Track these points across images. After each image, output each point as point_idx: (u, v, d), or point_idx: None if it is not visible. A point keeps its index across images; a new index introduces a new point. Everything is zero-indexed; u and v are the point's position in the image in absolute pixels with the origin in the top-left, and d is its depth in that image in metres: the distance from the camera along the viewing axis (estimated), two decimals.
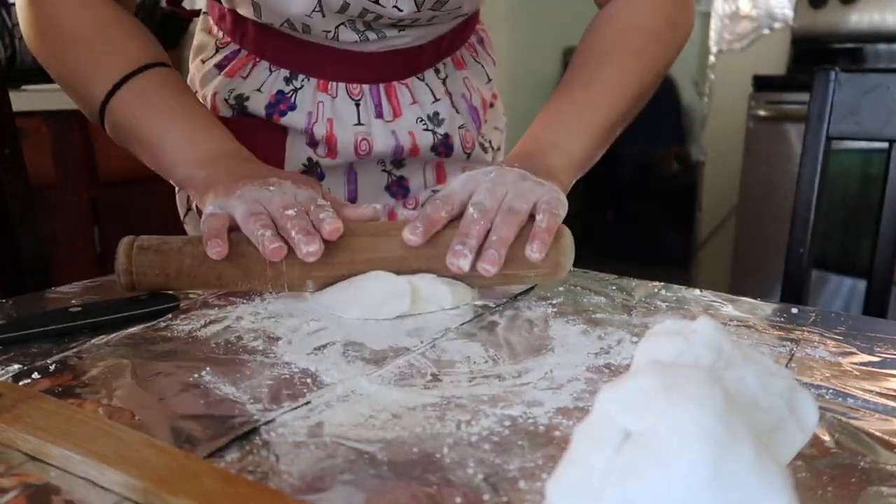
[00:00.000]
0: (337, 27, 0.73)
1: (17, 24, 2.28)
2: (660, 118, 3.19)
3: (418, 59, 0.80)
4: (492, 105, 0.93)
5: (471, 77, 0.86)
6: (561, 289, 0.64)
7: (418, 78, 0.81)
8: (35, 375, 0.44)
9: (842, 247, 2.15)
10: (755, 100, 2.34)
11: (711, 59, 2.68)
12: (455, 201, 0.58)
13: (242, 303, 0.58)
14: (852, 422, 0.40)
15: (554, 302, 0.60)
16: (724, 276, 2.56)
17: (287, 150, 0.79)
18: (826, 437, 0.38)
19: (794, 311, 0.59)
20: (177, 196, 0.89)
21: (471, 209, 0.57)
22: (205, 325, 0.54)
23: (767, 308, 0.59)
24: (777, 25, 2.60)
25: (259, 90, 0.78)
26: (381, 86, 0.79)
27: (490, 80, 0.90)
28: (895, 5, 2.35)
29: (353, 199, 0.84)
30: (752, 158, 2.36)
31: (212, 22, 0.83)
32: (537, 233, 0.55)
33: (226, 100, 0.78)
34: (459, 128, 0.84)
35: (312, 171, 0.81)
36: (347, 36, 0.74)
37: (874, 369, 0.47)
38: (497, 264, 0.54)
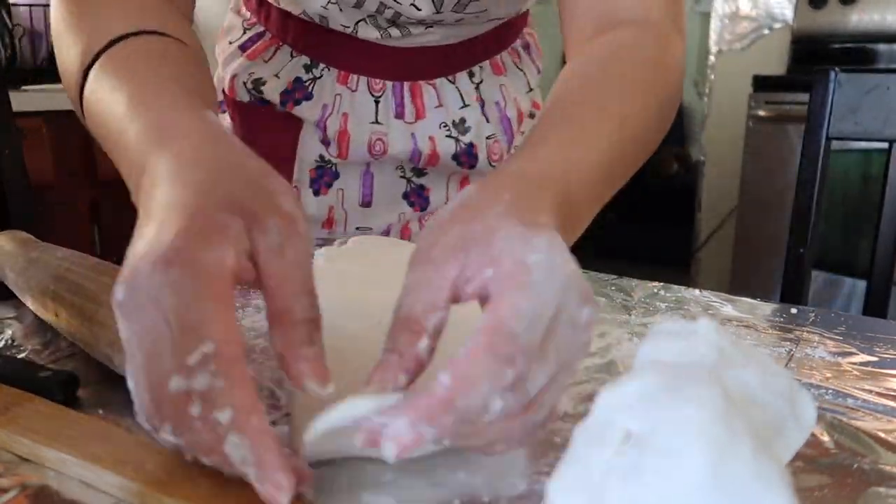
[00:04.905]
0: (357, 23, 0.70)
1: (18, 24, 2.26)
2: None
3: (449, 58, 0.75)
4: (532, 116, 0.84)
5: (508, 84, 0.80)
6: None
7: (448, 80, 0.76)
8: None
9: (842, 247, 2.15)
10: (755, 100, 2.34)
11: (711, 59, 2.68)
12: (428, 324, 0.32)
13: (243, 302, 0.58)
14: (852, 422, 0.40)
15: None
16: (724, 276, 2.56)
17: (300, 144, 0.76)
18: (826, 438, 0.38)
19: (794, 311, 0.58)
20: None
21: (445, 379, 0.29)
22: None
23: (767, 308, 0.59)
24: (777, 25, 2.60)
25: (277, 76, 0.75)
26: (407, 84, 0.75)
27: (531, 89, 0.84)
28: (895, 5, 2.35)
29: (367, 203, 0.79)
30: (752, 158, 2.36)
31: (242, 2, 0.81)
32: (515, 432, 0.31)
33: (244, 83, 0.76)
34: (488, 138, 0.78)
35: (326, 168, 0.78)
36: (368, 33, 0.71)
37: (874, 369, 0.47)
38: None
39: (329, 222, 0.80)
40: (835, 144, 0.88)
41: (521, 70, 0.83)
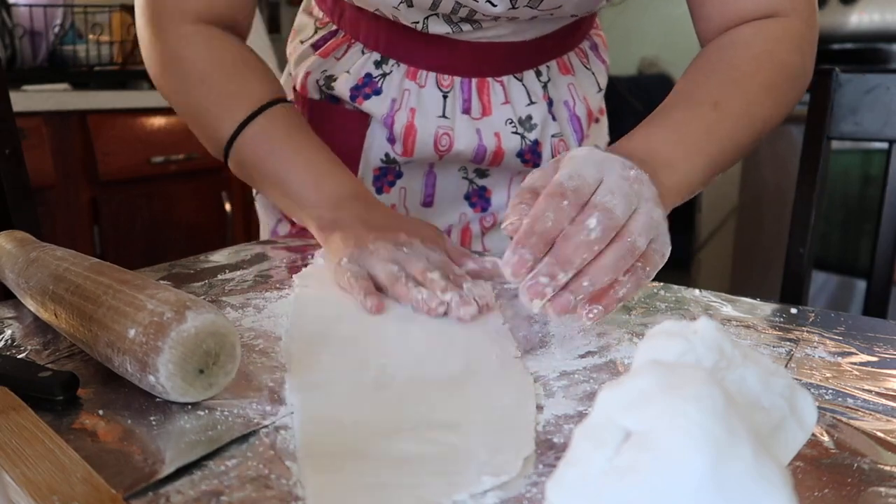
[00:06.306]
0: (426, 19, 0.71)
1: (18, 24, 2.25)
2: None
3: (518, 56, 0.77)
4: (597, 120, 0.87)
5: (577, 84, 0.81)
6: None
7: (516, 77, 0.77)
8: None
9: (842, 247, 2.15)
10: None
11: None
12: (581, 193, 0.47)
13: (243, 302, 0.58)
14: (852, 422, 0.40)
15: None
16: (724, 277, 2.56)
17: (367, 140, 0.78)
18: (826, 438, 0.38)
19: (794, 311, 0.58)
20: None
21: (594, 219, 0.45)
22: None
23: (767, 308, 0.59)
24: None
25: (348, 72, 0.77)
26: (474, 81, 0.76)
27: (601, 89, 0.85)
28: (895, 5, 2.34)
29: (428, 204, 0.81)
30: (752, 159, 2.36)
31: (314, 2, 0.84)
32: (610, 295, 0.48)
33: (317, 81, 0.78)
34: (553, 136, 0.79)
35: (390, 167, 0.79)
36: (438, 28, 0.72)
37: (873, 369, 0.47)
38: (595, 317, 0.47)
39: None
40: (835, 144, 0.88)
41: (591, 70, 0.84)
